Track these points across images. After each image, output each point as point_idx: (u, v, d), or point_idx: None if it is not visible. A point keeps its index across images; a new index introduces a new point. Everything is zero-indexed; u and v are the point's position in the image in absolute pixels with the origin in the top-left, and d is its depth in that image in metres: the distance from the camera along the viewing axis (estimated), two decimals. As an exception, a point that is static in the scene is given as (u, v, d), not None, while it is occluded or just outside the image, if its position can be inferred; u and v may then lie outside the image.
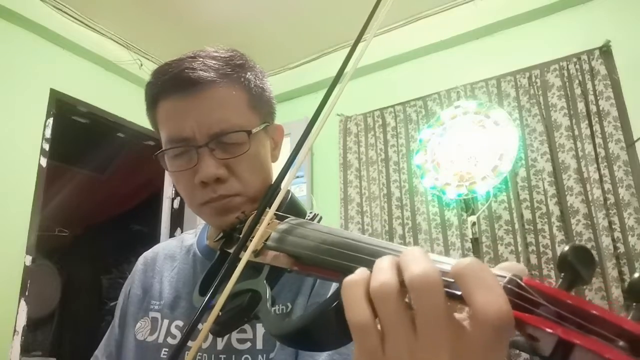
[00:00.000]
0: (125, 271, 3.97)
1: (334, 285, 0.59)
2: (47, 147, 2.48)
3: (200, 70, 0.60)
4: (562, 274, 0.27)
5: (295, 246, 0.42)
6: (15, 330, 2.19)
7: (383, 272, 0.29)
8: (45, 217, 2.70)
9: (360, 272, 0.31)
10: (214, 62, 0.62)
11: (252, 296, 0.43)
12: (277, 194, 0.44)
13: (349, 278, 0.31)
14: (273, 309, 0.40)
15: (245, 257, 0.41)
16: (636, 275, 0.25)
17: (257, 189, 0.64)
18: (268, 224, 0.45)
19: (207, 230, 0.77)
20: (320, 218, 0.68)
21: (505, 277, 0.28)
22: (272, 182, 0.66)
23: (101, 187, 3.85)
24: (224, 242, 0.59)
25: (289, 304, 0.62)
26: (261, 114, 0.66)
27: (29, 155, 2.41)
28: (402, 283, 0.29)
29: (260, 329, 0.62)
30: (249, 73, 0.65)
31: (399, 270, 0.29)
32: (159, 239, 3.19)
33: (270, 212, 0.43)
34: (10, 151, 2.32)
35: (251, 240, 0.43)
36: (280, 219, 0.49)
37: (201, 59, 0.62)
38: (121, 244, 3.93)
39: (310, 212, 0.66)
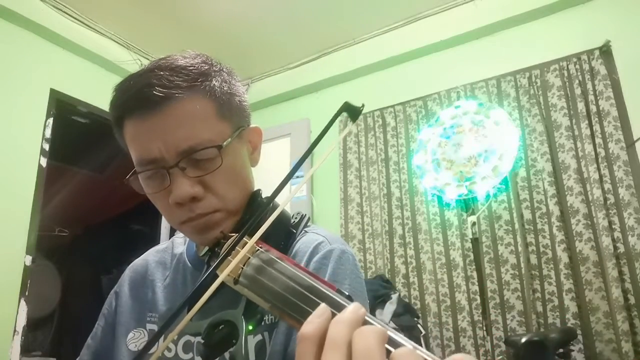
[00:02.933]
0: (125, 271, 3.95)
1: None
2: (47, 147, 2.48)
3: (159, 86, 0.56)
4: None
5: (264, 290, 0.42)
6: (15, 330, 2.19)
7: (336, 349, 0.30)
8: (45, 217, 2.69)
9: (316, 326, 0.32)
10: (174, 74, 0.58)
11: (233, 329, 0.44)
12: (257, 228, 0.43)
13: (306, 330, 0.32)
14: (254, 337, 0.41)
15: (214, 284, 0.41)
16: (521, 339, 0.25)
17: (236, 202, 0.61)
18: (243, 247, 0.45)
19: None
20: (308, 219, 0.67)
21: None
22: (254, 192, 0.65)
23: (101, 187, 3.84)
24: (210, 257, 0.58)
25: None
26: (233, 121, 0.62)
27: (29, 155, 2.41)
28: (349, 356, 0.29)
29: (251, 340, 0.61)
30: (214, 80, 0.61)
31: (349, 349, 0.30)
32: (159, 239, 3.18)
33: (249, 244, 0.44)
34: (10, 151, 2.32)
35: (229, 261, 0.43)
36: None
37: (161, 73, 0.57)
38: (121, 244, 3.93)
39: (297, 214, 0.65)
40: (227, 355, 0.60)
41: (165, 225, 3.22)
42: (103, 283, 3.93)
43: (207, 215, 0.59)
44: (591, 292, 2.00)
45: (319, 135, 0.47)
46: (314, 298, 0.37)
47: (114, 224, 4.03)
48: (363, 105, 0.49)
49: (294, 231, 0.63)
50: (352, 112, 0.48)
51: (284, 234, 0.62)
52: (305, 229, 0.69)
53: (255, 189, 0.66)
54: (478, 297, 2.26)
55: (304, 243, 0.66)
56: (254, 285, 0.43)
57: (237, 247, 0.46)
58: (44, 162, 2.45)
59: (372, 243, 2.60)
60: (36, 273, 2.39)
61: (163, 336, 0.68)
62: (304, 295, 0.38)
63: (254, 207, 0.62)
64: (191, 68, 0.59)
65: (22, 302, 2.24)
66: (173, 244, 0.79)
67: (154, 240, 3.21)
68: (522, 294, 2.16)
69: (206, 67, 0.61)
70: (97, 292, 3.91)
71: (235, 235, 0.52)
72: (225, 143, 0.58)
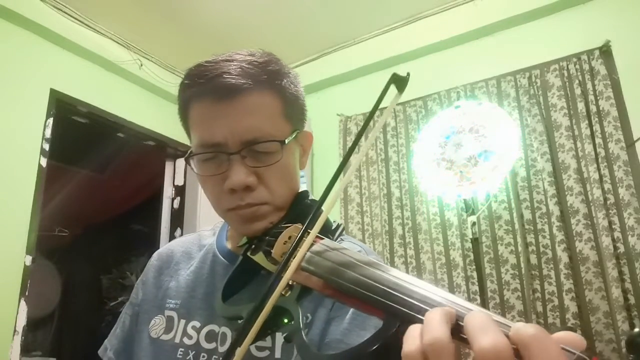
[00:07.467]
0: (126, 271, 3.97)
1: (371, 321, 0.58)
2: (47, 147, 2.48)
3: (237, 75, 0.59)
4: (632, 355, 0.27)
5: (336, 275, 0.42)
6: (15, 330, 2.19)
7: (436, 330, 0.30)
8: (45, 217, 2.69)
9: (415, 340, 0.30)
10: (250, 67, 0.61)
11: (279, 313, 0.44)
12: (319, 216, 0.44)
13: (408, 350, 0.30)
14: (305, 331, 0.42)
15: (286, 278, 0.42)
16: (636, 330, 0.25)
17: (284, 198, 0.63)
18: (302, 240, 0.46)
19: (227, 230, 0.77)
20: (343, 228, 0.68)
21: (574, 353, 0.26)
22: (301, 192, 0.67)
23: (101, 187, 3.85)
24: (247, 248, 0.59)
25: (309, 315, 0.62)
26: (293, 122, 0.65)
27: (29, 155, 2.41)
28: (454, 340, 0.29)
29: (279, 338, 0.61)
30: (284, 80, 0.64)
31: (454, 328, 0.30)
32: (159, 238, 3.18)
33: (312, 234, 0.44)
34: (10, 151, 2.32)
35: (292, 259, 0.44)
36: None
37: (237, 63, 0.60)
38: (121, 244, 3.93)
39: (334, 222, 0.65)
40: (280, 335, 0.60)
41: (165, 225, 3.22)
42: (103, 283, 3.93)
43: (255, 206, 0.61)
44: (591, 292, 2.00)
45: (371, 112, 0.48)
46: (398, 287, 0.38)
47: (114, 224, 4.03)
48: (408, 74, 0.49)
49: (332, 237, 0.64)
50: (399, 82, 0.49)
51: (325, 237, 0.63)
52: (342, 237, 0.70)
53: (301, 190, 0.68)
54: (478, 297, 2.26)
55: None
56: (322, 270, 0.43)
57: (290, 237, 0.47)
58: (44, 162, 2.45)
59: (372, 243, 2.60)
60: (36, 273, 2.39)
61: (182, 321, 0.69)
62: (381, 289, 0.38)
63: (300, 206, 0.64)
64: (265, 65, 0.62)
65: (22, 302, 2.24)
66: (200, 237, 0.81)
67: (154, 240, 3.21)
68: (522, 294, 2.16)
69: (278, 67, 0.64)
70: (97, 292, 3.92)
71: (289, 225, 0.54)
72: (287, 140, 0.61)
